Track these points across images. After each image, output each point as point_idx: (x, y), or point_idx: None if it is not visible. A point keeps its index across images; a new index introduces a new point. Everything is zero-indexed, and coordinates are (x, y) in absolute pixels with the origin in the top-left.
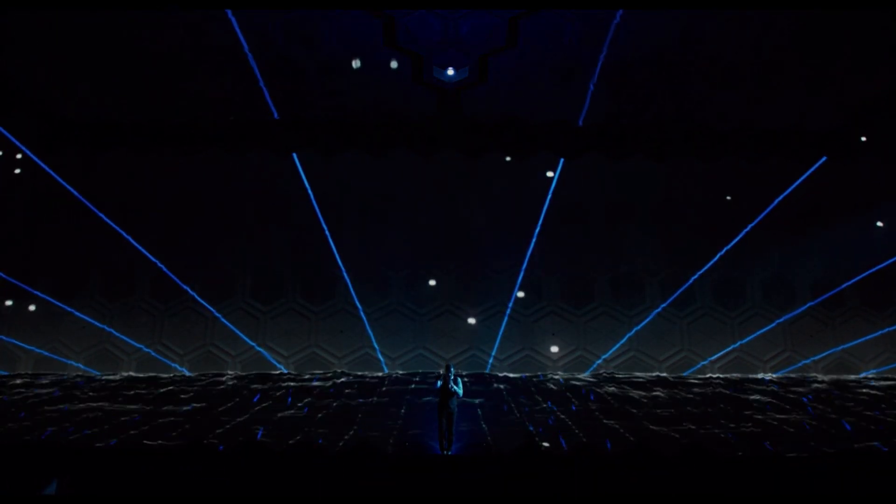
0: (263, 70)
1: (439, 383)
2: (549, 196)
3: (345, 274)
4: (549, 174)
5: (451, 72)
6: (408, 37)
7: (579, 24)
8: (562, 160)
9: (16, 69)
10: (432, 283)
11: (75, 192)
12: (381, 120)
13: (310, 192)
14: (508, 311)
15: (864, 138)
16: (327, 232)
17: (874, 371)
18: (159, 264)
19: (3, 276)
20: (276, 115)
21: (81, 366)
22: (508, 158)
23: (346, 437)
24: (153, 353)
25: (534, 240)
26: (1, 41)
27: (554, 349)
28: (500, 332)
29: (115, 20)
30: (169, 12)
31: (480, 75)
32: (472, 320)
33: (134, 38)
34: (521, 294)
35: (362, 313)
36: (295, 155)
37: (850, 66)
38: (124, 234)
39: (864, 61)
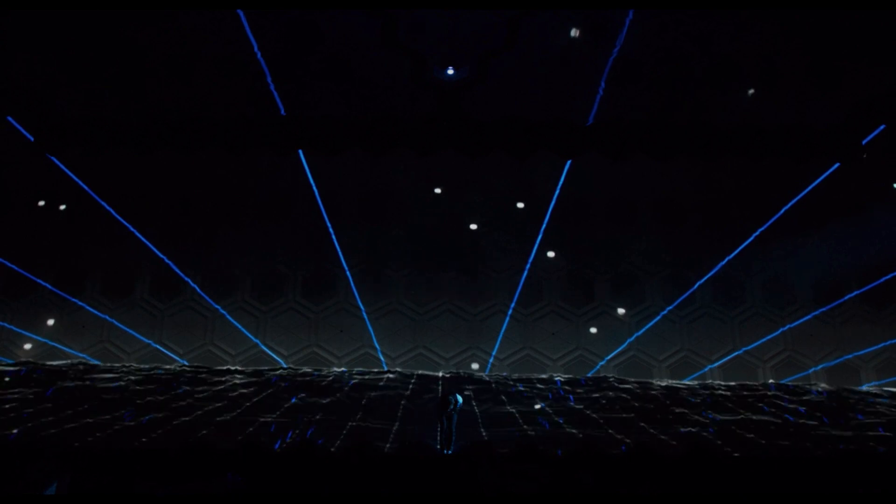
0: (264, 69)
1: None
2: (555, 198)
3: (347, 273)
4: (550, 254)
5: (451, 72)
6: (408, 36)
7: (581, 24)
8: (569, 162)
9: (17, 68)
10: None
11: (86, 188)
12: (382, 119)
13: (315, 190)
14: (510, 311)
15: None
16: (331, 230)
17: (875, 383)
18: (165, 259)
19: (8, 264)
20: (282, 111)
21: (87, 357)
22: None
23: (343, 435)
24: (158, 348)
25: (538, 239)
26: (2, 41)
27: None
28: (501, 333)
29: (116, 20)
30: (170, 12)
31: (481, 75)
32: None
33: (135, 37)
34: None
35: (364, 312)
36: (301, 152)
37: (854, 66)
38: (130, 228)
39: (868, 60)
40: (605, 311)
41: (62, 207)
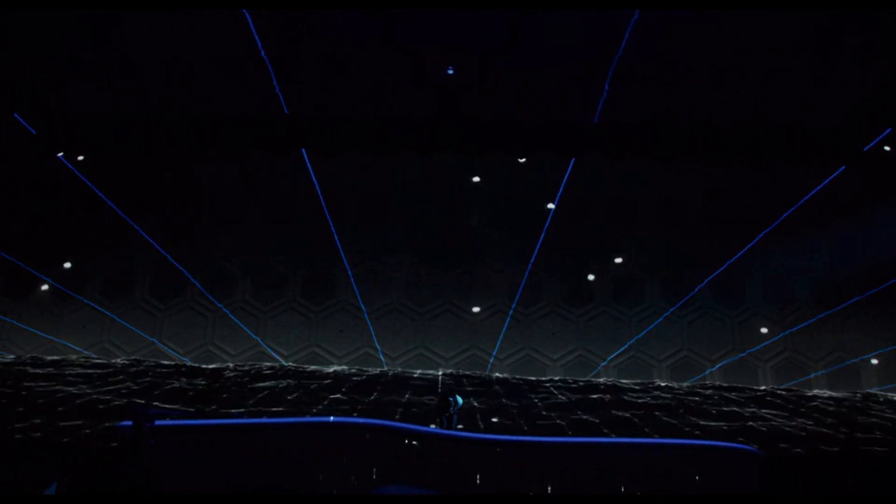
0: (263, 68)
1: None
2: (557, 198)
3: (348, 272)
4: (550, 205)
5: (450, 72)
6: (408, 36)
7: (581, 24)
8: (573, 160)
9: (17, 68)
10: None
11: (89, 184)
12: (382, 119)
13: (317, 190)
14: (511, 311)
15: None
16: (332, 230)
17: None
18: (168, 258)
19: (10, 258)
20: (285, 110)
21: (90, 353)
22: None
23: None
24: (160, 346)
25: (540, 239)
26: (2, 41)
27: None
28: (501, 333)
29: (116, 19)
30: (171, 11)
31: (481, 75)
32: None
33: (135, 36)
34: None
35: (364, 312)
36: (304, 151)
37: (854, 66)
38: (133, 226)
39: (868, 60)
40: (605, 310)
41: (80, 158)
